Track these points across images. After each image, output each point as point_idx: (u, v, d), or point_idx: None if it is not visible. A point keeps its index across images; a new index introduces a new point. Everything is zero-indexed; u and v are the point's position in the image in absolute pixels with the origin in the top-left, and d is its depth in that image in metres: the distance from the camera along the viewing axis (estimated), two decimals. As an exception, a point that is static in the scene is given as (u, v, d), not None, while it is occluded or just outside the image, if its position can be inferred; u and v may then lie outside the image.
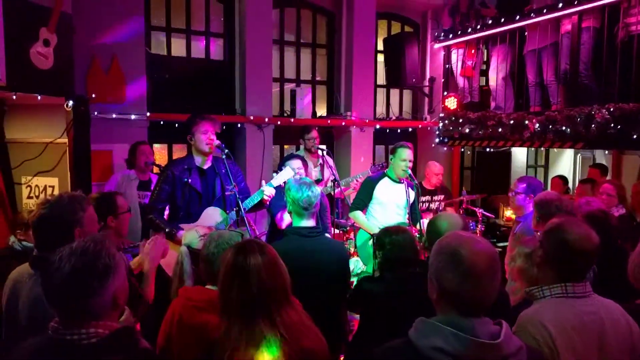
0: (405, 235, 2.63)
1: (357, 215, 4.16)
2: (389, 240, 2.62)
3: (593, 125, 4.52)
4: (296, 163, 3.80)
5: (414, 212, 4.15)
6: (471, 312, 1.33)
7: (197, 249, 2.23)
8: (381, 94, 7.16)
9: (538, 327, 1.64)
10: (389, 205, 4.12)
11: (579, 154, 7.16)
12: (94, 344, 1.43)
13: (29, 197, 3.92)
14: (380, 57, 6.90)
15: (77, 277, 1.45)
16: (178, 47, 5.82)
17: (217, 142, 3.38)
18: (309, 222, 2.79)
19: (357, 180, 5.34)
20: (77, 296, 1.45)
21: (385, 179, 4.15)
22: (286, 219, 3.54)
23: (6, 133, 3.90)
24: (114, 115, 5.02)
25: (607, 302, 1.77)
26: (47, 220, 1.97)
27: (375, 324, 2.43)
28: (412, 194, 4.11)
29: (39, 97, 3.39)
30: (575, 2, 4.78)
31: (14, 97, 3.36)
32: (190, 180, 3.33)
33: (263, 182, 3.49)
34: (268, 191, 3.37)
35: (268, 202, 3.48)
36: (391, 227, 2.90)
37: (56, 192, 3.81)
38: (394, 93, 7.32)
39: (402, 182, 4.09)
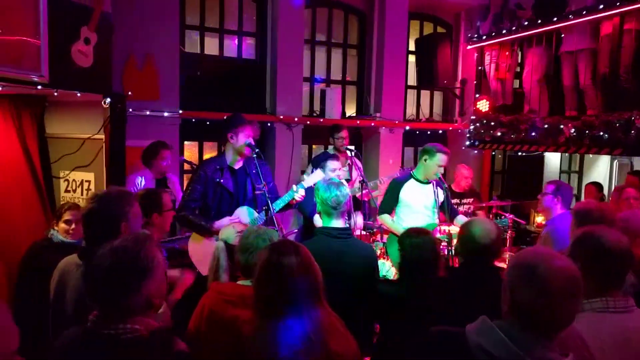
0: (426, 238, 2.60)
1: (385, 218, 4.11)
2: (408, 242, 2.61)
3: (632, 131, 4.38)
4: (334, 164, 3.82)
5: (447, 210, 4.04)
6: (538, 331, 1.30)
7: (234, 244, 2.26)
8: (411, 95, 7.10)
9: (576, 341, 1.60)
10: (417, 206, 4.05)
11: (616, 160, 6.94)
12: (131, 339, 1.47)
13: (67, 191, 4.04)
14: (412, 58, 6.85)
15: (116, 274, 1.49)
16: (211, 46, 5.91)
17: (248, 140, 3.43)
18: (338, 223, 2.80)
19: (383, 182, 5.34)
20: (114, 293, 1.50)
21: (412, 180, 4.08)
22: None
23: (46, 128, 4.03)
24: (147, 112, 5.13)
25: None
26: (96, 214, 2.04)
27: (392, 327, 2.41)
28: (442, 194, 4.03)
29: (79, 94, 3.49)
30: (617, 4, 4.63)
31: (56, 93, 3.47)
32: (222, 180, 3.38)
33: (294, 185, 3.51)
34: (299, 193, 3.40)
35: (295, 203, 3.51)
36: (413, 228, 2.87)
37: (92, 186, 3.92)
38: (425, 94, 7.25)
39: (430, 183, 4.03)
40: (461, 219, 4.07)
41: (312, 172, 3.96)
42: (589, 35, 5.05)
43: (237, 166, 3.46)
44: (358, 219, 4.34)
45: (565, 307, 1.29)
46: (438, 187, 4.01)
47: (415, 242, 2.57)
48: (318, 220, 3.62)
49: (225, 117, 3.60)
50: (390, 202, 4.10)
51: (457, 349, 1.35)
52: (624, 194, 4.10)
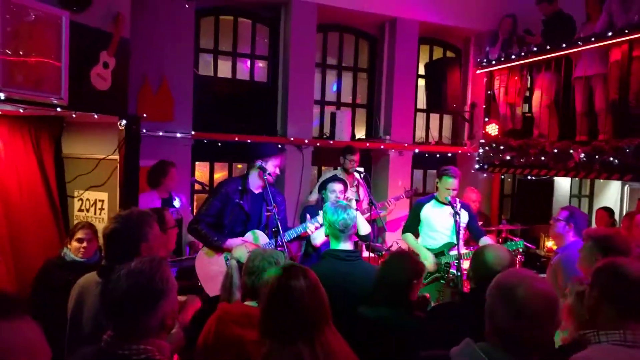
0: (402, 261, 2.62)
1: (408, 237, 4.35)
2: (385, 263, 2.68)
3: (643, 157, 4.37)
4: (337, 186, 3.87)
5: (473, 230, 4.28)
6: (517, 352, 1.31)
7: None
8: (421, 118, 7.15)
9: None
10: (437, 226, 4.22)
11: (627, 185, 6.89)
12: None
13: (80, 210, 4.10)
14: (421, 82, 6.92)
15: (132, 296, 1.53)
16: (224, 69, 6.04)
17: (259, 162, 3.51)
18: (346, 245, 2.83)
19: (392, 204, 5.40)
20: (130, 314, 1.53)
21: (433, 201, 4.28)
22: (319, 236, 3.61)
23: (63, 148, 4.12)
24: (160, 133, 5.23)
25: None
26: (118, 234, 2.09)
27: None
28: (465, 214, 4.16)
29: (96, 116, 3.58)
30: (626, 31, 4.68)
31: (74, 115, 3.56)
32: (241, 201, 3.45)
33: (308, 215, 3.58)
34: (312, 227, 3.46)
35: (307, 235, 3.58)
36: (397, 251, 2.94)
37: (105, 206, 3.98)
38: (434, 117, 7.30)
39: (449, 205, 4.10)
40: (486, 240, 4.13)
41: (319, 193, 4.05)
42: (600, 60, 5.09)
43: (257, 191, 3.55)
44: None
45: (545, 329, 1.31)
46: (462, 209, 4.08)
47: (392, 264, 2.61)
48: (317, 237, 3.66)
49: (255, 143, 3.72)
50: (412, 222, 4.35)
51: None
52: (635, 221, 4.08)
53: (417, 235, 4.38)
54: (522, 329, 1.30)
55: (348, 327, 2.13)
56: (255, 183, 3.54)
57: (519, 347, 1.31)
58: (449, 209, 4.08)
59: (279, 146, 5.90)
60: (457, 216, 3.96)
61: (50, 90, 3.14)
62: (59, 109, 3.27)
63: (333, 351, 1.70)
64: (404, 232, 4.40)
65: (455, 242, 3.99)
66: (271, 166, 3.49)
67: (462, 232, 4.10)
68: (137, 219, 2.13)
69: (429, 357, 1.48)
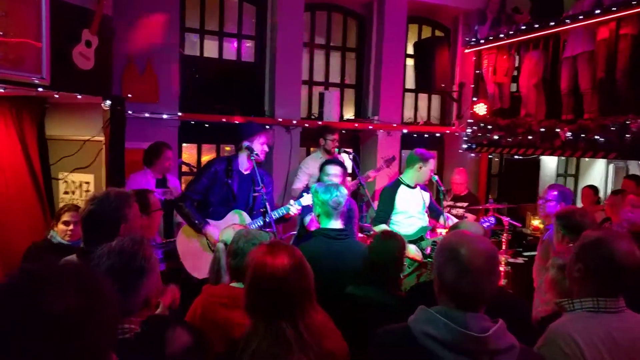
0: (389, 242, 2.64)
1: (382, 228, 4.07)
2: (372, 244, 2.70)
3: (627, 135, 4.42)
4: (334, 169, 3.81)
5: (433, 210, 4.26)
6: (467, 306, 1.42)
7: None
8: (409, 98, 7.14)
9: (567, 340, 1.63)
10: (411, 211, 4.12)
11: (612, 164, 6.99)
12: (129, 339, 1.49)
13: (65, 193, 4.06)
14: (410, 61, 6.88)
15: (113, 275, 1.52)
16: (210, 49, 5.94)
17: (246, 143, 3.49)
18: (337, 224, 2.84)
19: (370, 177, 5.49)
20: None
21: (402, 186, 4.13)
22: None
23: (46, 130, 4.05)
24: (146, 115, 5.15)
25: None
26: (95, 216, 2.06)
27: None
28: (427, 195, 4.20)
29: (79, 96, 3.52)
30: (614, 9, 4.68)
31: (56, 96, 3.49)
32: (230, 180, 3.44)
33: (292, 200, 3.57)
34: (294, 209, 3.46)
35: (289, 217, 3.57)
36: (384, 231, 2.95)
37: (91, 188, 3.94)
38: (422, 97, 7.28)
39: (416, 187, 4.16)
40: (447, 219, 4.22)
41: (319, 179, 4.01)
42: (587, 38, 5.09)
43: (245, 172, 3.53)
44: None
45: (487, 282, 1.42)
46: (422, 190, 4.15)
47: (379, 244, 2.64)
48: (312, 222, 3.65)
49: (240, 124, 3.69)
50: (387, 210, 4.10)
51: (404, 342, 1.44)
52: (626, 200, 4.11)
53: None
54: (467, 284, 1.41)
55: (337, 305, 2.14)
56: (244, 164, 3.54)
57: (467, 301, 1.41)
58: (417, 191, 4.13)
59: (267, 127, 5.89)
60: (443, 195, 4.05)
61: (31, 69, 3.07)
62: (40, 89, 3.20)
63: (317, 328, 1.69)
64: (376, 223, 4.09)
65: (428, 226, 4.10)
66: (258, 145, 3.47)
67: (426, 212, 4.19)
68: (115, 200, 2.09)
69: (389, 330, 1.51)
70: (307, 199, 3.49)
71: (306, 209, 3.68)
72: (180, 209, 3.50)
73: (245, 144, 3.47)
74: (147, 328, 1.45)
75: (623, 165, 6.68)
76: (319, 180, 3.94)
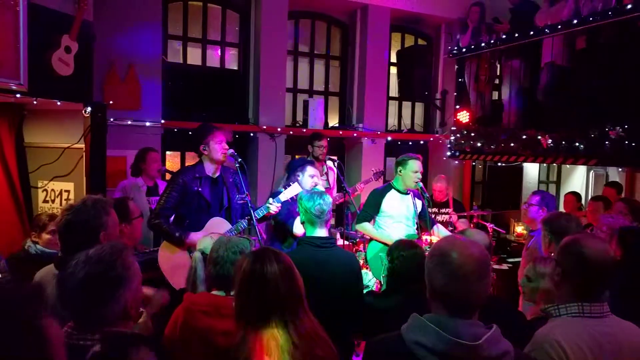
0: (416, 251, 2.62)
1: (366, 227, 4.11)
2: (397, 255, 2.63)
3: (607, 142, 4.50)
4: (312, 170, 3.79)
5: (425, 219, 4.18)
6: (458, 312, 1.39)
7: None
8: (393, 106, 7.18)
9: (554, 345, 1.63)
10: (398, 217, 4.09)
11: (592, 171, 7.10)
12: None
13: (45, 201, 3.97)
14: (393, 70, 6.93)
15: (90, 284, 1.47)
16: (194, 56, 5.90)
17: (230, 150, 3.42)
18: (322, 232, 2.81)
19: (359, 190, 5.40)
20: (88, 303, 1.47)
21: (392, 191, 4.11)
22: (299, 227, 3.55)
23: (25, 137, 3.97)
24: (129, 122, 5.09)
25: (627, 324, 1.74)
26: (73, 225, 2.00)
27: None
28: (420, 203, 4.12)
29: (59, 103, 3.45)
30: (591, 19, 4.78)
31: (35, 102, 3.42)
32: (200, 189, 3.34)
33: (270, 199, 3.51)
34: (274, 207, 3.39)
35: (271, 215, 3.51)
36: (404, 240, 2.89)
37: (72, 196, 3.86)
38: (406, 105, 7.34)
39: (409, 193, 4.11)
40: (438, 228, 4.16)
41: (287, 178, 3.96)
42: (567, 47, 5.19)
43: (215, 175, 3.45)
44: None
45: (478, 288, 1.40)
46: (416, 198, 4.09)
47: (406, 254, 2.59)
48: (297, 227, 3.61)
49: (192, 130, 3.59)
50: (371, 212, 4.10)
51: (396, 351, 1.42)
52: (614, 207, 4.15)
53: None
54: (457, 290, 1.39)
55: (324, 313, 2.11)
56: (210, 168, 3.43)
57: (458, 307, 1.39)
58: (409, 198, 4.08)
59: (251, 134, 5.85)
60: (427, 202, 4.00)
61: (9, 75, 3.00)
62: (18, 95, 3.13)
63: (308, 334, 1.69)
64: (359, 221, 4.09)
65: (416, 233, 4.06)
66: (216, 145, 3.35)
67: (416, 220, 4.11)
68: (93, 208, 2.03)
69: (383, 339, 1.49)
70: (285, 195, 3.44)
71: (289, 214, 3.63)
72: (157, 227, 3.31)
73: (202, 147, 3.39)
74: (108, 347, 1.28)
75: (603, 172, 6.78)
76: (287, 179, 3.92)
